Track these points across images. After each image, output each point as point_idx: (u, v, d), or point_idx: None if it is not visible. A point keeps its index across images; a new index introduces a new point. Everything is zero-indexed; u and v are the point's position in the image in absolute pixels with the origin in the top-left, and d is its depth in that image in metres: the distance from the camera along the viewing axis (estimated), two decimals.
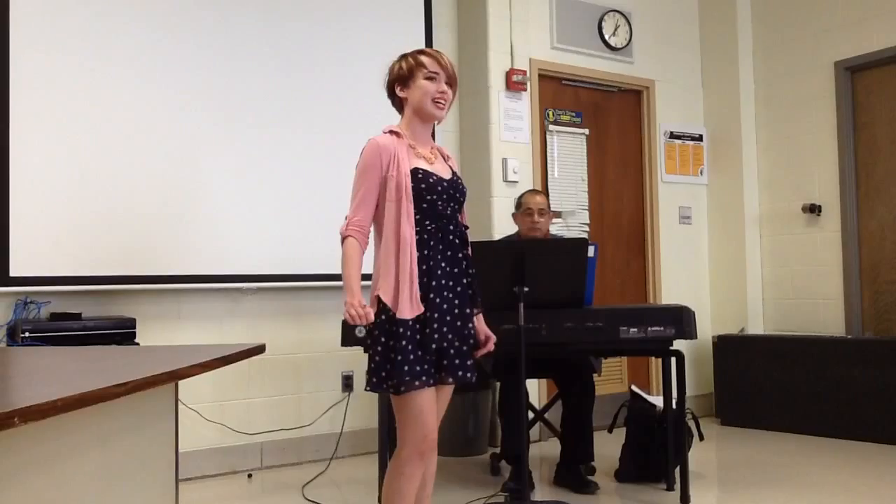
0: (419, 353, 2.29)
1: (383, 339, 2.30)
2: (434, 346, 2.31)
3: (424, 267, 2.33)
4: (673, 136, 5.60)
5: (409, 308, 2.28)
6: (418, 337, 2.29)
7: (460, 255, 2.43)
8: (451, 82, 2.46)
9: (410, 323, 2.28)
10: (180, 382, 1.97)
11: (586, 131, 5.26)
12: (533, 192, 3.99)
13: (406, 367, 2.26)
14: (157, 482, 1.96)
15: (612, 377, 5.17)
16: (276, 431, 4.26)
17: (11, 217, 3.52)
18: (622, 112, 5.48)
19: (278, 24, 4.26)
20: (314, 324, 4.39)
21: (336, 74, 4.41)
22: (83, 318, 3.55)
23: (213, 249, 4.01)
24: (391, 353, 2.28)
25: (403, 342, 2.27)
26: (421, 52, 2.49)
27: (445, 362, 2.35)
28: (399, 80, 2.46)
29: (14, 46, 3.57)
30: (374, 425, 4.01)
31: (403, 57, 2.49)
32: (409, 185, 2.34)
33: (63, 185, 3.66)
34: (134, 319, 3.62)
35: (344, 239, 2.37)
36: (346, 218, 2.39)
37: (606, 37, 5.29)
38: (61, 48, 3.69)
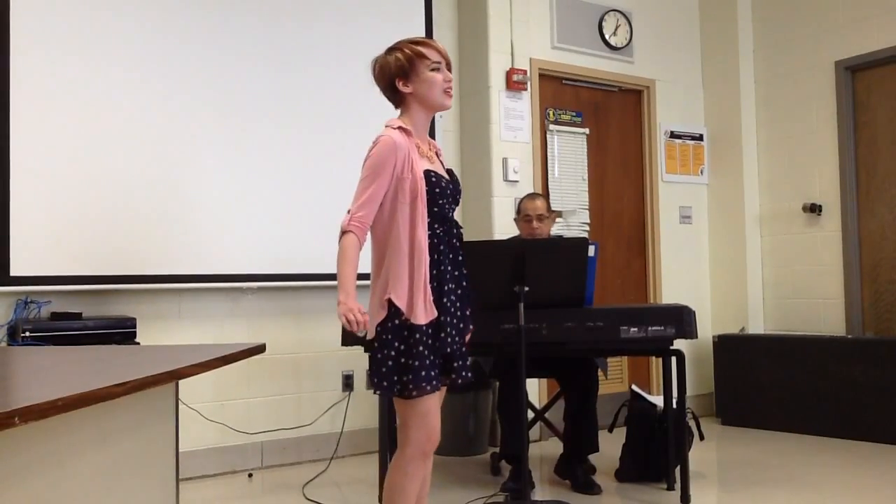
0: (432, 357, 2.28)
1: (396, 344, 2.26)
2: (448, 349, 2.31)
3: (435, 272, 2.31)
4: (673, 135, 5.60)
5: (423, 314, 2.26)
6: (431, 341, 2.28)
7: (460, 256, 2.42)
8: (450, 68, 2.44)
9: (424, 328, 2.27)
10: (180, 382, 1.97)
11: (587, 131, 5.26)
12: (532, 196, 3.92)
13: (423, 373, 2.24)
14: (157, 482, 1.96)
15: (612, 377, 5.17)
16: (277, 431, 4.26)
17: (12, 217, 3.52)
18: (622, 112, 5.48)
19: (278, 25, 4.26)
20: (314, 324, 4.39)
21: (336, 74, 4.41)
22: (83, 318, 3.55)
23: (213, 249, 4.01)
24: (403, 357, 2.26)
25: (420, 348, 2.25)
26: (416, 42, 2.41)
27: (455, 364, 2.35)
28: (400, 74, 2.38)
29: (14, 46, 3.57)
30: (375, 425, 4.01)
31: (397, 49, 2.40)
32: (424, 188, 2.30)
33: (63, 184, 3.66)
34: (134, 319, 3.62)
35: (344, 233, 2.30)
36: (348, 212, 2.32)
37: (607, 36, 5.29)
38: (61, 48, 3.69)
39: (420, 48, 2.38)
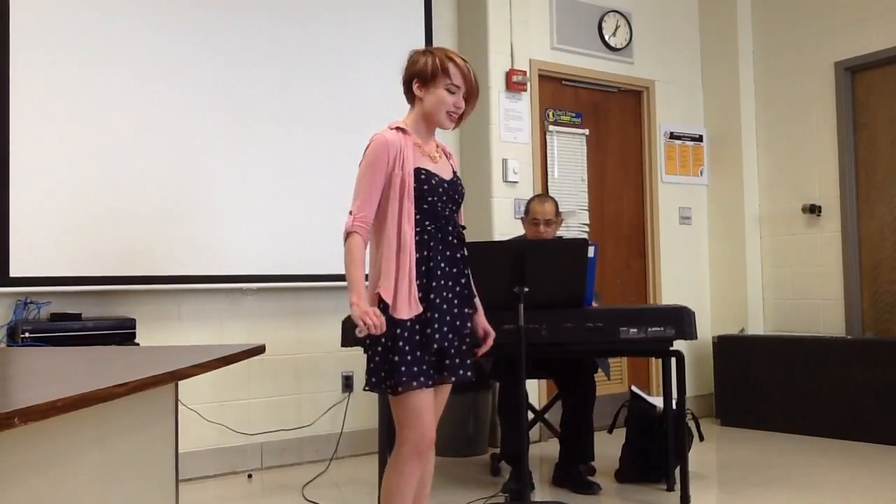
0: (418, 353, 2.28)
1: (383, 340, 2.29)
2: (436, 346, 2.31)
3: (424, 268, 2.33)
4: (673, 136, 5.60)
5: (406, 308, 2.28)
6: (417, 337, 2.29)
7: (458, 255, 2.43)
8: (470, 96, 2.44)
9: (408, 323, 2.28)
10: (180, 382, 1.97)
11: (586, 132, 5.26)
12: (541, 199, 3.89)
13: (404, 368, 2.26)
14: (157, 482, 1.96)
15: (612, 377, 5.17)
16: (276, 431, 4.25)
17: (11, 217, 3.52)
18: (622, 112, 5.49)
19: (279, 25, 4.26)
20: (314, 324, 4.39)
21: (337, 75, 4.41)
22: (83, 319, 3.55)
23: (213, 249, 4.01)
24: (390, 353, 2.28)
25: (401, 343, 2.26)
26: (451, 58, 2.41)
27: (447, 362, 2.35)
28: (420, 77, 2.40)
29: (14, 46, 3.57)
30: (374, 425, 4.01)
31: (431, 53, 2.42)
32: (412, 184, 2.32)
33: (63, 185, 3.66)
34: (134, 319, 3.62)
35: (349, 235, 2.33)
36: (350, 213, 2.35)
37: (606, 37, 5.29)
38: (61, 48, 3.69)
39: (449, 65, 2.39)
